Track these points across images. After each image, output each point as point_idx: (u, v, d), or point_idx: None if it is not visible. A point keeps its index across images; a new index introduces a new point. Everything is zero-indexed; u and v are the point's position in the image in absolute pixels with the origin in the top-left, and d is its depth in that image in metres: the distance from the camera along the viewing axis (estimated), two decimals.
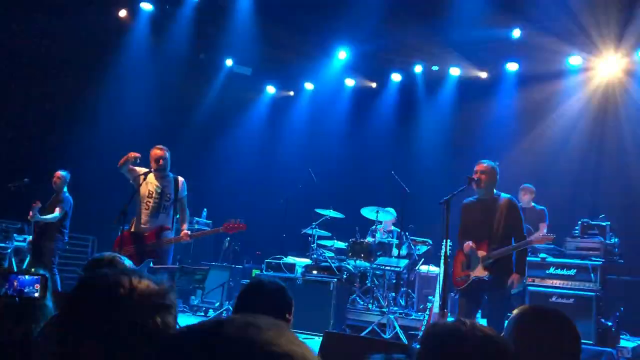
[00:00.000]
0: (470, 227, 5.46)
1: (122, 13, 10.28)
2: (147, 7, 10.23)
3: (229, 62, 11.60)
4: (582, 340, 5.81)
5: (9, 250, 8.85)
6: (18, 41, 9.69)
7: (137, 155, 6.05)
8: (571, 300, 6.59)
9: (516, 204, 5.51)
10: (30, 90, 10.06)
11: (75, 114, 10.35)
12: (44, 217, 7.87)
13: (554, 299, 6.68)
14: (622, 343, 6.53)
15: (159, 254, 5.99)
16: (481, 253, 5.33)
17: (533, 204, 8.24)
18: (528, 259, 7.26)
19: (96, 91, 10.55)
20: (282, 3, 9.34)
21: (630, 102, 9.21)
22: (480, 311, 5.75)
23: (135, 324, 1.20)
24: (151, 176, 6.23)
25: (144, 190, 6.18)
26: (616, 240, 7.13)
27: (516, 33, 9.32)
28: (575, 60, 9.53)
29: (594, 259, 6.75)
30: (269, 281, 2.55)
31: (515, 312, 2.07)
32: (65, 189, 8.16)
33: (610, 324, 6.52)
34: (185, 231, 6.12)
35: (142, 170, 6.15)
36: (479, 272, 5.31)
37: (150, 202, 6.17)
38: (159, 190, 6.20)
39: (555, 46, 9.12)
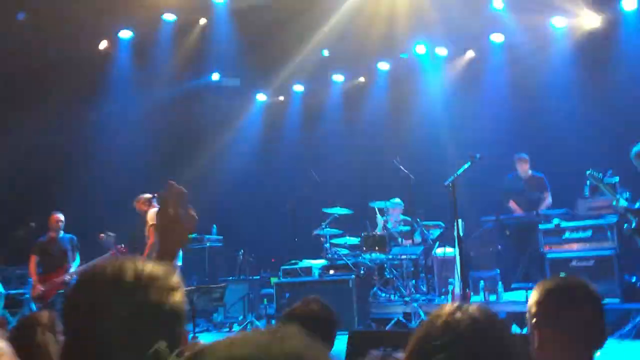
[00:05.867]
0: None
1: (103, 44, 10.24)
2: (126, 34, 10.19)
3: (215, 77, 11.56)
4: (608, 300, 5.73)
5: (27, 296, 8.83)
6: None
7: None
8: (591, 262, 6.52)
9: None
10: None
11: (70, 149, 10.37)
12: None
13: (573, 263, 6.61)
14: None
15: None
16: None
17: (531, 171, 8.20)
18: (541, 226, 7.23)
19: (88, 125, 10.56)
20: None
21: (617, 52, 9.01)
22: None
23: (144, 305, 1.23)
24: None
25: None
26: (628, 194, 7.02)
27: (498, 4, 9.16)
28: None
29: (608, 217, 6.67)
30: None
31: (536, 289, 2.00)
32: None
33: (634, 279, 6.45)
34: None
35: None
36: None
37: None
38: None
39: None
